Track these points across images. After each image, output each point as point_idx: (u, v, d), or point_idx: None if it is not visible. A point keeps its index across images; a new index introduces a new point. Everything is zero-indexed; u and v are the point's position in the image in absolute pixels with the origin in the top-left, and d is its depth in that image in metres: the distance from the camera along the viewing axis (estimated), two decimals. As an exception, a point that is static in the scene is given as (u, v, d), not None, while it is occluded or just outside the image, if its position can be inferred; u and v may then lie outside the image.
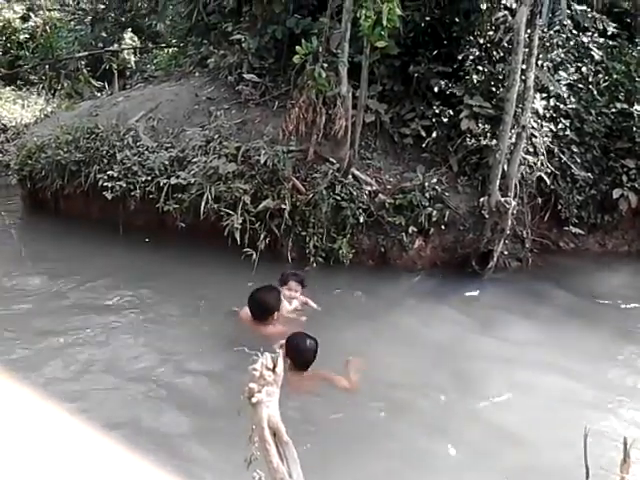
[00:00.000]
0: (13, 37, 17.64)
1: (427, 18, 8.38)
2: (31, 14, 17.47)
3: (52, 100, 16.25)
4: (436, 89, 8.28)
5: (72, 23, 16.59)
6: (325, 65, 7.22)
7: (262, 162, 7.58)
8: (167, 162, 8.09)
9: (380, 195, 7.73)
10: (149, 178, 8.03)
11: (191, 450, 4.05)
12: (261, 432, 1.95)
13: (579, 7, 8.98)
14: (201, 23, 10.48)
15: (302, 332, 5.04)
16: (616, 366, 5.71)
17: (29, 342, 5.33)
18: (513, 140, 7.70)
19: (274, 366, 2.04)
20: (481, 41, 8.60)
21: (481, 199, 7.67)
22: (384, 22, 6.55)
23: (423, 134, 8.24)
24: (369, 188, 7.78)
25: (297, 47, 7.26)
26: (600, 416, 4.68)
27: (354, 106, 7.53)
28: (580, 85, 9.09)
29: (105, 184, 8.13)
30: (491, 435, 4.42)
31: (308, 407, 4.48)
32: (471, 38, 8.59)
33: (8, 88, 16.44)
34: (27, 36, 17.55)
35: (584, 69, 9.26)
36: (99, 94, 15.81)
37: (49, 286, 6.82)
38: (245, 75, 9.06)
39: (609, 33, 9.52)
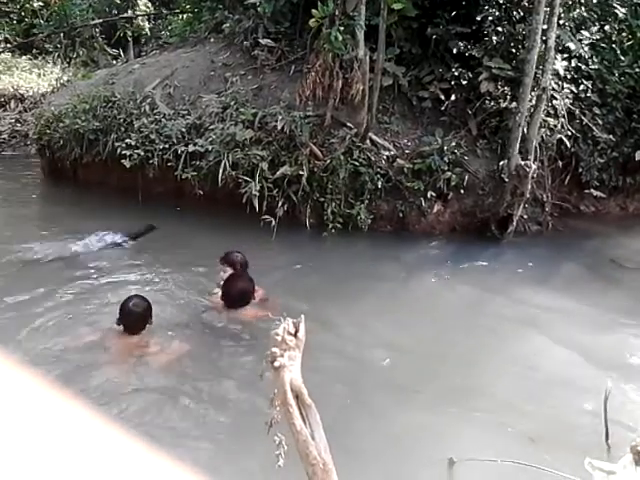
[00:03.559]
0: (27, 5, 17.55)
1: (445, -22, 8.23)
2: (44, -19, 17.37)
3: (68, 69, 16.25)
4: (455, 51, 8.16)
5: (86, -10, 16.46)
6: (341, 28, 7.11)
7: (279, 128, 7.54)
8: (184, 129, 8.10)
9: (398, 160, 7.68)
10: (167, 146, 8.04)
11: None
12: (284, 395, 1.97)
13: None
14: (215, -13, 10.37)
15: (135, 294, 4.93)
16: (636, 330, 5.68)
17: (40, 310, 5.33)
18: (533, 102, 7.59)
19: (296, 331, 2.06)
20: (500, 1, 8.42)
21: (501, 163, 7.61)
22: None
23: (442, 97, 8.15)
24: (387, 153, 7.73)
25: (313, 10, 7.16)
26: (617, 381, 4.66)
27: (371, 69, 7.44)
28: (603, 45, 8.90)
29: (123, 152, 8.15)
30: (510, 399, 4.43)
31: (333, 372, 4.52)
32: (490, -2, 8.42)
33: (24, 57, 16.44)
34: (41, 4, 17.45)
35: (607, 28, 9.06)
36: (114, 62, 15.80)
37: (64, 251, 6.85)
38: (261, 40, 8.99)
39: (633, -10, 9.27)
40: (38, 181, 10.41)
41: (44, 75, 15.69)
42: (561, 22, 8.17)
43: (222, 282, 5.44)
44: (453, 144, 7.69)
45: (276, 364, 1.99)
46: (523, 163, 7.33)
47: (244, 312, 5.25)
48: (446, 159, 7.54)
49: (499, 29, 8.19)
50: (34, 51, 16.95)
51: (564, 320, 5.72)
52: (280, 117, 7.59)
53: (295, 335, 2.06)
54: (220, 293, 5.39)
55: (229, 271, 5.51)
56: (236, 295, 5.24)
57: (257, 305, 5.33)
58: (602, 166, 8.58)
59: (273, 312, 5.05)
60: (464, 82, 8.10)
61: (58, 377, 4.12)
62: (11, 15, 17.58)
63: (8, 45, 16.55)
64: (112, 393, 4.13)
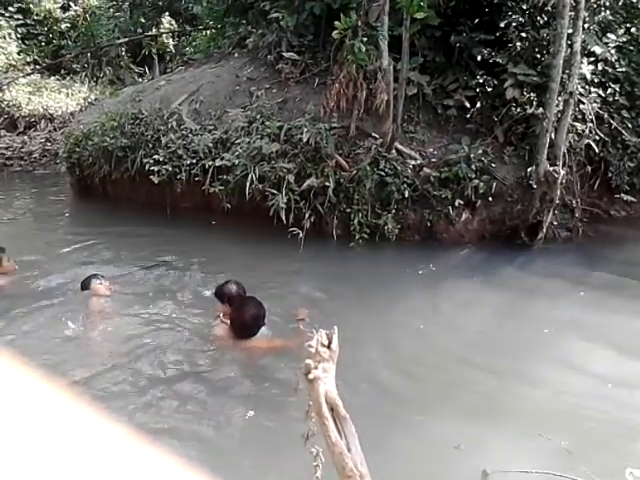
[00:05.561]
0: (55, 27, 17.96)
1: (467, -15, 8.21)
2: (71, 3, 17.76)
3: (95, 87, 16.56)
4: (479, 58, 8.13)
5: (111, 10, 16.79)
6: (365, 39, 7.12)
7: (305, 140, 7.56)
8: (211, 144, 8.19)
9: (425, 169, 7.65)
10: (194, 161, 8.14)
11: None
12: (319, 408, 1.96)
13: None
14: (238, 3, 10.48)
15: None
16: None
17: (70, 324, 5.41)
18: (560, 107, 7.51)
19: (329, 342, 2.05)
20: (524, 6, 8.36)
21: (529, 169, 7.53)
22: (422, -8, 6.44)
23: (467, 105, 8.10)
24: (413, 162, 7.71)
25: (336, 22, 7.19)
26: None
27: (395, 79, 7.44)
28: (630, 47, 8.78)
29: (151, 168, 8.27)
30: (544, 410, 4.36)
31: (362, 385, 4.49)
32: (513, 4, 8.35)
33: (52, 78, 16.78)
34: (68, 25, 17.86)
35: (633, 30, 8.94)
36: (140, 79, 16.05)
37: (99, 266, 6.91)
38: (284, 53, 9.05)
39: (659, -10, 9.15)
40: (68, 198, 10.59)
41: (72, 95, 16.01)
42: (586, 26, 8.09)
43: (220, 314, 5.12)
44: (480, 152, 7.63)
45: (310, 376, 1.98)
46: (551, 169, 7.26)
47: (255, 342, 4.87)
48: (473, 167, 7.48)
49: (523, 35, 8.12)
50: (62, 71, 17.31)
51: (597, 329, 5.61)
52: (305, 129, 7.61)
53: (329, 347, 2.05)
54: (221, 325, 5.06)
55: (219, 305, 5.19)
56: (247, 324, 4.83)
57: (267, 333, 4.95)
58: (632, 170, 8.46)
59: (294, 341, 4.77)
60: (489, 89, 8.05)
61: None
62: (39, 37, 17.97)
63: (37, 66, 16.90)
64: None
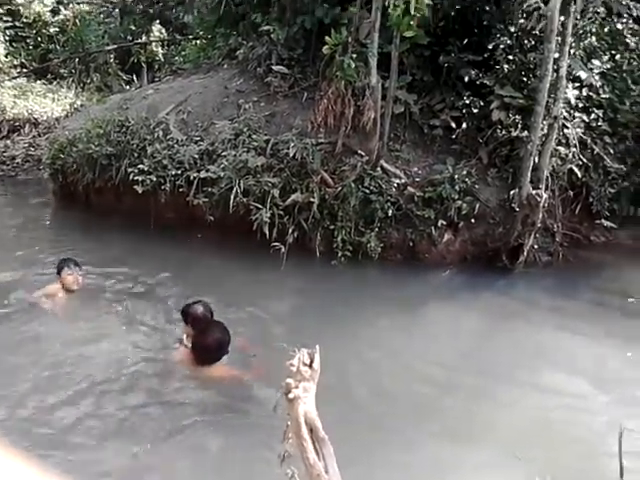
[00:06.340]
0: (43, 31, 17.89)
1: (457, 6, 8.27)
2: (61, 7, 17.65)
3: (82, 93, 16.46)
4: (466, 79, 8.18)
5: (101, 16, 16.76)
6: (354, 56, 7.17)
7: (291, 155, 7.56)
8: (197, 156, 8.13)
9: (409, 188, 7.67)
10: (179, 172, 8.07)
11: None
12: (297, 428, 1.94)
13: (613, -7, 8.80)
14: (229, 14, 10.47)
15: None
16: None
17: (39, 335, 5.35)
18: (544, 131, 7.58)
19: (311, 361, 2.03)
20: (512, 29, 8.46)
21: (511, 192, 7.58)
22: (412, 11, 6.47)
23: (453, 125, 8.15)
24: (398, 181, 7.72)
25: (326, 37, 7.24)
26: (630, 416, 4.56)
27: (383, 97, 7.46)
28: (614, 74, 8.89)
29: (136, 178, 8.17)
30: (515, 435, 4.36)
31: (340, 405, 4.46)
32: (502, 26, 8.45)
33: (39, 82, 16.67)
34: (57, 29, 17.79)
35: (618, 57, 9.07)
36: (128, 87, 15.99)
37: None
38: (274, 67, 9.04)
39: (643, 20, 9.31)
40: (50, 205, 10.47)
41: (58, 100, 15.89)
42: (572, 51, 8.19)
43: (184, 337, 4.89)
44: (464, 173, 7.67)
45: (290, 396, 1.96)
46: (534, 192, 7.31)
47: (214, 370, 4.62)
48: (457, 188, 7.51)
49: (510, 57, 8.21)
50: (49, 76, 17.21)
51: (575, 353, 5.66)
52: (292, 144, 7.61)
53: (310, 366, 2.03)
54: (181, 348, 4.85)
55: (183, 326, 4.96)
56: (209, 349, 4.56)
57: (228, 362, 4.72)
58: (613, 196, 8.53)
59: (253, 372, 4.69)
60: (475, 110, 8.11)
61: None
62: (27, 40, 17.87)
63: (24, 70, 16.79)
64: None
